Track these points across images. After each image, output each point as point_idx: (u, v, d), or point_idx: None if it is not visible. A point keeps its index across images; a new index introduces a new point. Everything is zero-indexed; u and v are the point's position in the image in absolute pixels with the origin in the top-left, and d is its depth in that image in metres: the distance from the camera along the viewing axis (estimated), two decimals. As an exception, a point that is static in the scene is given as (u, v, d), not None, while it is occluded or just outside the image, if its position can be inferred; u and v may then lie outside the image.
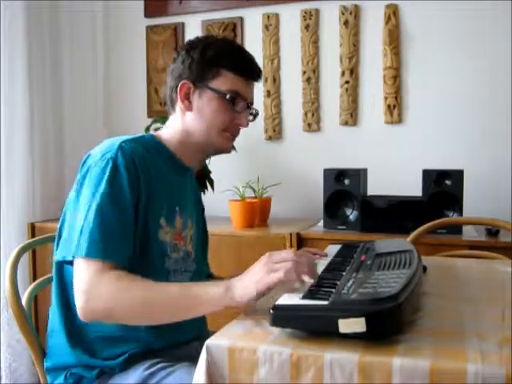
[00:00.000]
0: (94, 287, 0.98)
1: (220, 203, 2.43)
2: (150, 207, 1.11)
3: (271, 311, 0.84)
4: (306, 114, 2.55)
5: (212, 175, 2.41)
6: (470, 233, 2.03)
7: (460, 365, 0.72)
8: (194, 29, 2.72)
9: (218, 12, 2.66)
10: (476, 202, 2.12)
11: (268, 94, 2.59)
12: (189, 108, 1.18)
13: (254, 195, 2.38)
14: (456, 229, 2.00)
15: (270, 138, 2.61)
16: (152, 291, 1.00)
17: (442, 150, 2.35)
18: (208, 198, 2.43)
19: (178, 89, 1.17)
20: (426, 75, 2.38)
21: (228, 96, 1.15)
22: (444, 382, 0.71)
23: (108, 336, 1.11)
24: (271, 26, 2.59)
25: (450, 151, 2.34)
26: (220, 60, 1.17)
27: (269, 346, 0.79)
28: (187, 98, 1.17)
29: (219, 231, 2.21)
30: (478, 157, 2.31)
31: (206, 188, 2.40)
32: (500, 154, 2.28)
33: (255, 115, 1.25)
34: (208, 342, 0.82)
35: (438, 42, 2.35)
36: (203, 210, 1.43)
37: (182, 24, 2.74)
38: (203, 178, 2.38)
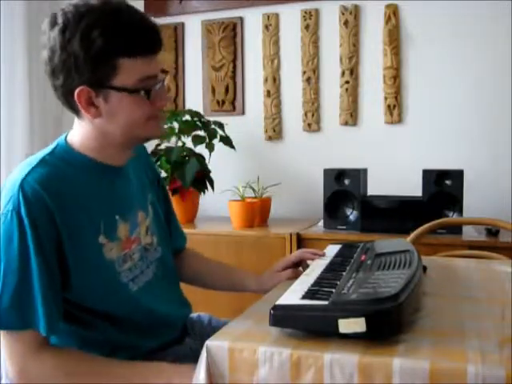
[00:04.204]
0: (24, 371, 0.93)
1: (220, 203, 2.43)
2: (83, 233, 0.99)
3: (271, 311, 0.83)
4: (306, 114, 2.55)
5: (212, 175, 2.41)
6: (470, 233, 2.03)
7: (460, 365, 0.71)
8: (194, 29, 2.72)
9: (218, 12, 2.66)
10: (476, 202, 2.12)
11: (268, 93, 2.59)
12: (96, 114, 0.99)
13: (253, 195, 2.38)
14: (456, 229, 2.00)
15: (270, 138, 2.60)
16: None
17: (442, 150, 2.35)
18: (208, 198, 2.44)
19: (76, 98, 0.97)
20: (426, 75, 2.38)
21: (141, 92, 0.98)
22: (444, 382, 0.71)
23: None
24: (271, 26, 2.59)
25: (450, 151, 2.34)
26: (111, 50, 0.95)
27: (269, 346, 0.79)
28: (91, 103, 0.98)
29: (219, 231, 2.22)
30: (478, 157, 2.31)
31: (206, 188, 2.39)
32: (500, 153, 2.28)
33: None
34: (208, 342, 0.81)
35: (438, 42, 2.35)
36: (159, 181, 1.27)
37: (182, 24, 2.74)
38: (203, 178, 2.37)
